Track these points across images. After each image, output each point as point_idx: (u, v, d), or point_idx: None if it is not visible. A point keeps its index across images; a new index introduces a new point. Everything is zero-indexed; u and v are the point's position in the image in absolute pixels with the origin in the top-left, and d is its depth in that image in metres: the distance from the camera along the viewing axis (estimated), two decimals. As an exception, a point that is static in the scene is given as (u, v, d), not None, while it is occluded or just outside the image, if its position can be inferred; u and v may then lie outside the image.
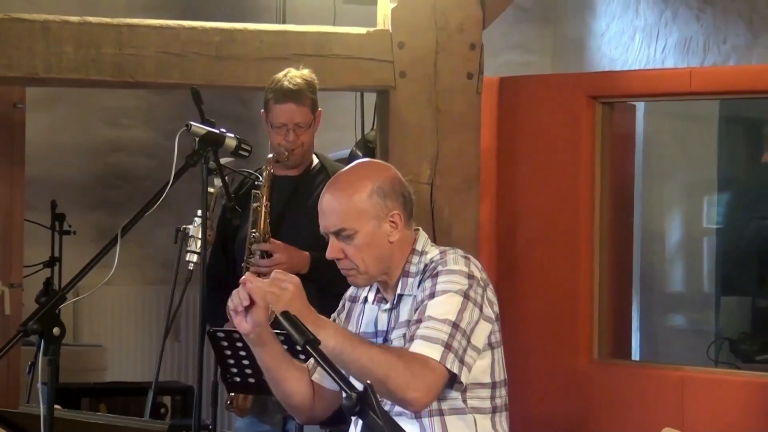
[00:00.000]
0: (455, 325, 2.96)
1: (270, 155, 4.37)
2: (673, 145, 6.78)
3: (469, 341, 2.98)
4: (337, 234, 3.05)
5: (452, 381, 2.98)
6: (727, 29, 6.07)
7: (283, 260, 4.26)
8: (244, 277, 2.94)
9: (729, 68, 5.86)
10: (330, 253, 3.06)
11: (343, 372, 3.01)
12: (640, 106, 6.14)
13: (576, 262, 5.34)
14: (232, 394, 4.28)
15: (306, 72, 4.39)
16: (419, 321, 2.99)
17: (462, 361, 2.96)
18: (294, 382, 3.11)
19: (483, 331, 3.03)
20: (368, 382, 2.45)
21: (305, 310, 2.86)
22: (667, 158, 6.79)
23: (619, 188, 5.60)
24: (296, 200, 4.40)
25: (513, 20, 7.23)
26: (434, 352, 2.93)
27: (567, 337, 5.36)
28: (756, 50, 5.90)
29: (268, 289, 2.88)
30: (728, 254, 6.47)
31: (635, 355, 6.14)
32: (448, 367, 2.93)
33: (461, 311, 2.98)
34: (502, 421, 3.11)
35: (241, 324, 2.93)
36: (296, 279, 2.92)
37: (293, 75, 4.35)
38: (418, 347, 2.95)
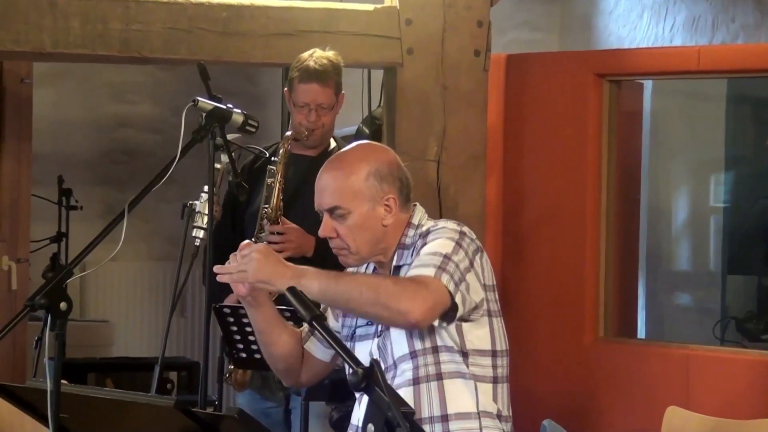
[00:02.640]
0: (447, 257, 2.97)
1: (289, 132, 4.37)
2: (680, 124, 6.77)
3: (463, 276, 2.97)
4: (331, 212, 3.07)
5: (448, 308, 2.95)
6: (736, 8, 6.04)
7: (292, 238, 4.27)
8: (243, 243, 2.98)
9: (737, 47, 5.84)
10: (322, 231, 3.09)
11: (339, 310, 3.07)
12: (648, 85, 6.12)
13: (582, 240, 5.34)
14: (231, 367, 4.29)
15: (332, 54, 4.38)
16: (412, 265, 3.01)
17: (457, 285, 2.95)
18: (284, 346, 3.15)
19: (475, 287, 3.02)
20: (374, 357, 2.45)
21: (279, 269, 2.90)
22: (674, 137, 6.78)
23: (626, 167, 5.59)
24: (311, 180, 4.40)
25: (520, -3, 7.22)
26: (428, 271, 2.94)
27: (573, 314, 5.36)
28: (764, 29, 5.88)
29: (233, 272, 2.93)
30: (735, 233, 6.46)
31: (641, 333, 6.13)
32: (444, 283, 2.93)
33: (454, 250, 2.99)
34: (504, 392, 3.11)
35: (238, 287, 3.00)
36: (259, 246, 2.96)
37: (319, 55, 4.35)
38: (411, 273, 2.97)
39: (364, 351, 3.10)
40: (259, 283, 2.94)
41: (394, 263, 3.11)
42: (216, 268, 3.00)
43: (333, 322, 3.22)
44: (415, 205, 3.16)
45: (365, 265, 3.21)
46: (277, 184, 4.30)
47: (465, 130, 4.96)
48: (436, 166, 4.92)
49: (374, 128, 5.46)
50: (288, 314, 3.43)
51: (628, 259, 5.71)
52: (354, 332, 3.16)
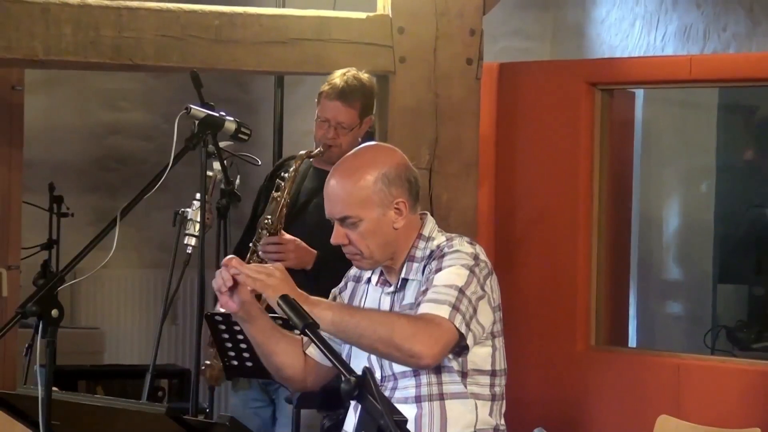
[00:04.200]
0: (462, 291, 2.97)
1: (302, 151, 4.40)
2: (672, 133, 6.77)
3: (475, 311, 2.98)
4: (342, 221, 3.06)
5: (458, 345, 2.97)
6: (728, 17, 6.06)
7: (290, 249, 4.27)
8: (226, 259, 2.96)
9: (729, 56, 5.84)
10: (335, 239, 3.08)
11: (349, 344, 3.04)
12: (640, 94, 6.13)
13: (574, 249, 5.34)
14: (207, 363, 4.28)
15: (366, 77, 4.40)
16: (426, 291, 2.99)
17: (468, 326, 2.96)
18: (284, 355, 3.14)
19: (486, 313, 3.03)
20: (366, 366, 2.44)
21: (295, 293, 2.87)
22: (665, 146, 6.78)
23: (618, 175, 5.60)
24: (318, 202, 4.40)
25: (513, 6, 7.22)
26: (442, 311, 2.93)
27: (564, 323, 5.36)
28: (756, 38, 5.89)
29: (255, 276, 2.89)
30: (726, 242, 6.47)
31: (632, 342, 6.14)
32: (457, 325, 2.93)
33: (468, 282, 2.99)
34: (499, 409, 3.12)
35: (228, 303, 2.96)
36: (280, 265, 2.94)
37: (352, 75, 4.37)
38: (425, 308, 2.95)
39: (361, 356, 3.08)
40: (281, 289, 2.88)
41: (402, 275, 3.10)
42: (234, 261, 2.93)
43: None
44: (425, 215, 3.15)
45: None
46: (282, 200, 4.31)
47: (457, 139, 4.96)
48: (429, 174, 4.92)
49: (366, 136, 5.46)
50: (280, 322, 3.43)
51: (620, 268, 5.71)
52: None
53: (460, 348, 2.99)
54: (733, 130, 6.57)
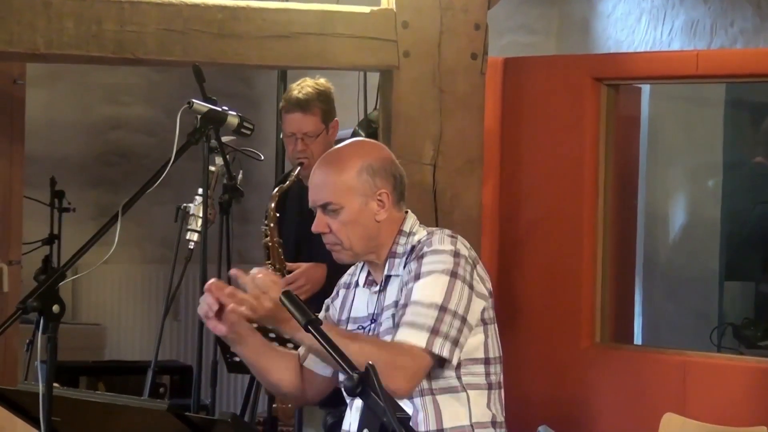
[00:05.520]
0: (443, 308, 2.96)
1: (275, 190, 4.49)
2: (678, 129, 6.75)
3: (463, 320, 2.97)
4: (324, 208, 3.06)
5: (442, 361, 2.97)
6: (735, 12, 6.03)
7: (302, 283, 4.31)
8: (208, 284, 2.94)
9: (736, 51, 5.83)
10: (315, 227, 3.08)
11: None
12: (646, 89, 6.11)
13: (579, 245, 5.33)
14: (274, 405, 4.37)
15: (321, 81, 4.48)
16: (405, 306, 2.98)
17: (456, 343, 2.95)
18: (278, 371, 3.12)
19: (477, 308, 3.01)
20: (370, 362, 2.43)
21: (277, 322, 2.90)
22: (672, 142, 6.76)
23: (624, 171, 5.58)
24: None
25: (518, 0, 7.20)
26: (420, 338, 2.93)
27: (569, 320, 5.34)
28: (763, 34, 5.86)
29: (247, 298, 2.90)
30: (732, 239, 6.45)
31: (637, 339, 6.12)
32: (436, 352, 2.93)
33: (449, 292, 2.97)
34: (497, 399, 3.09)
35: (217, 327, 2.95)
36: (275, 296, 2.88)
37: (305, 84, 4.47)
38: (403, 335, 2.95)
39: None
40: (269, 320, 2.92)
41: (385, 272, 3.09)
42: (230, 307, 2.93)
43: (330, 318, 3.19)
44: (406, 212, 3.14)
45: (359, 268, 3.18)
46: (273, 243, 4.36)
47: (462, 134, 4.93)
48: (432, 170, 4.90)
49: (370, 131, 5.45)
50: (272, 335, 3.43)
51: (625, 265, 5.70)
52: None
53: (445, 362, 2.99)
54: (740, 126, 6.55)
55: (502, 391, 3.12)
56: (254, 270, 2.96)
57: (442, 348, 2.93)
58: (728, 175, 6.50)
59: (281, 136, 4.52)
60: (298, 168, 4.42)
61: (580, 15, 7.30)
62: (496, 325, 3.10)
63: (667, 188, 6.82)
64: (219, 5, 4.75)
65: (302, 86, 4.46)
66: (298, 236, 4.43)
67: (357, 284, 3.19)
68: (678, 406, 4.77)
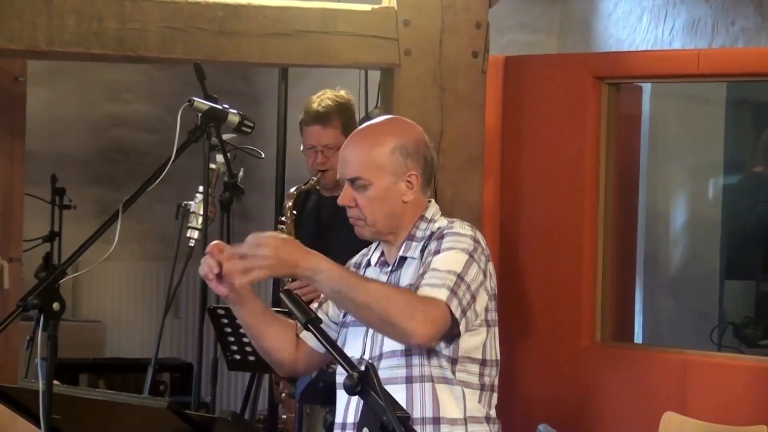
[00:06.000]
0: (460, 277, 2.95)
1: (293, 189, 4.50)
2: (679, 128, 6.75)
3: (473, 298, 2.96)
4: (352, 182, 3.05)
5: (450, 332, 2.95)
6: (736, 11, 6.03)
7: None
8: (210, 246, 2.94)
9: (737, 50, 5.82)
10: (341, 200, 3.07)
11: (344, 310, 3.03)
12: (647, 88, 6.11)
13: (580, 244, 5.32)
14: (284, 416, 4.37)
15: (341, 93, 4.48)
16: (423, 275, 2.97)
17: (464, 312, 2.94)
18: (274, 338, 3.11)
19: (483, 299, 3.01)
20: (370, 361, 2.43)
21: (297, 252, 2.88)
22: (673, 141, 6.76)
23: (625, 170, 5.57)
24: (338, 222, 4.39)
25: (519, -1, 7.20)
26: (441, 293, 2.91)
27: (570, 319, 5.34)
28: (765, 33, 5.86)
29: (249, 265, 2.85)
30: (733, 238, 6.45)
31: (638, 338, 6.11)
32: (453, 309, 2.91)
33: (467, 266, 2.97)
34: (488, 400, 3.08)
35: (218, 288, 2.94)
36: (268, 234, 2.91)
37: (325, 96, 4.47)
38: (423, 292, 2.93)
39: (357, 338, 3.06)
40: (281, 270, 2.88)
41: (400, 253, 3.08)
42: (214, 247, 2.92)
43: (332, 309, 3.18)
44: (430, 201, 3.14)
45: (372, 249, 3.17)
46: None
47: (462, 133, 4.93)
48: (433, 168, 4.89)
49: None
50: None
51: (626, 263, 5.69)
52: (346, 315, 3.11)
53: (452, 336, 2.97)
54: (741, 125, 6.54)
55: (496, 394, 3.11)
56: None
57: (456, 310, 2.92)
58: (729, 174, 6.50)
59: (301, 149, 4.50)
60: (319, 174, 4.42)
61: (581, 13, 7.29)
62: (497, 329, 3.10)
63: (667, 187, 6.82)
64: (220, 3, 4.75)
65: (322, 98, 4.46)
66: (313, 248, 4.41)
67: (369, 263, 3.17)
68: (678, 405, 4.77)
